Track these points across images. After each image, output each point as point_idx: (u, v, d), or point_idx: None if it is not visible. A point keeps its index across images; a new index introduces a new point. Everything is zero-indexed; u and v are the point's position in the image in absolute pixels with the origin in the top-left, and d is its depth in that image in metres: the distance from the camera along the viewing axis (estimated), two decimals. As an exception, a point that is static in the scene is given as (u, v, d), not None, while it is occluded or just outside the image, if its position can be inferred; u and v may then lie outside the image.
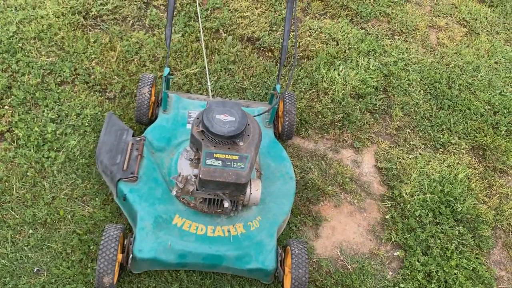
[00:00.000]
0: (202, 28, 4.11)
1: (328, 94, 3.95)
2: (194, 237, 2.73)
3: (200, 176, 2.52)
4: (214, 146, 2.59)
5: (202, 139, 2.61)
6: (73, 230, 2.90)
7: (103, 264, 2.51)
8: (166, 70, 3.15)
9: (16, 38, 3.69)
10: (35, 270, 2.75)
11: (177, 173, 2.81)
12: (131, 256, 2.63)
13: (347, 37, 4.38)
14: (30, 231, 2.87)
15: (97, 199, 3.04)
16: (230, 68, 3.93)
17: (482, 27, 4.89)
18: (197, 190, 2.66)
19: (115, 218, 2.99)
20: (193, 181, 2.69)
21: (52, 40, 3.76)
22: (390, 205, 3.45)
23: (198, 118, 2.68)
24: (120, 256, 2.62)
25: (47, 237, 2.86)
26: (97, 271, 2.51)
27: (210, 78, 3.82)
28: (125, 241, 2.70)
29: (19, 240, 2.83)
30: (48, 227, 2.90)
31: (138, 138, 3.04)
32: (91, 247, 2.85)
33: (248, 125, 2.70)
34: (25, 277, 2.72)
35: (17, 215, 2.90)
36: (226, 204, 2.65)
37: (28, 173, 3.06)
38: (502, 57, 4.63)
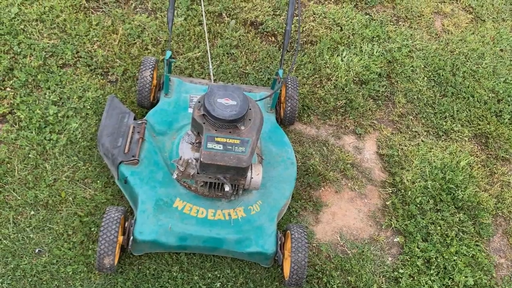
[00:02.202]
0: (205, 12, 4.08)
1: (331, 80, 3.93)
2: (194, 220, 2.74)
3: (201, 159, 2.52)
4: (216, 130, 2.59)
5: (204, 123, 2.61)
6: (75, 212, 2.92)
7: (104, 245, 2.52)
8: (168, 53, 3.13)
9: (18, 19, 3.67)
10: (37, 251, 2.77)
11: (178, 156, 2.81)
12: (131, 238, 2.65)
13: (351, 22, 4.34)
14: (32, 212, 2.88)
15: (98, 181, 3.05)
16: (232, 53, 3.91)
17: (488, 13, 4.83)
18: (198, 173, 2.66)
19: (116, 201, 3.00)
20: (194, 165, 2.69)
21: (54, 22, 3.73)
22: (391, 191, 3.45)
23: (199, 102, 2.67)
24: (121, 238, 2.64)
25: (48, 219, 2.88)
26: (98, 252, 2.53)
27: (212, 62, 3.80)
28: (126, 224, 2.72)
29: (21, 221, 2.85)
30: (50, 209, 2.91)
31: (140, 121, 3.04)
32: (92, 229, 2.87)
33: (250, 109, 2.69)
34: (27, 257, 2.74)
35: (19, 196, 2.92)
36: (227, 188, 2.65)
37: (30, 155, 3.07)
38: (508, 44, 4.58)
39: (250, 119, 2.67)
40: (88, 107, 3.36)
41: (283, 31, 4.08)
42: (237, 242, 2.73)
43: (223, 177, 2.63)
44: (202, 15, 3.98)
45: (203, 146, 2.54)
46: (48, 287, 2.68)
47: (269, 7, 4.27)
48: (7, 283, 2.65)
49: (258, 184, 2.73)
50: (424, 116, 3.90)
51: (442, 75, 4.16)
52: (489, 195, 3.55)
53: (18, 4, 3.75)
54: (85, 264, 2.76)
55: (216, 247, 2.74)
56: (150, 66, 3.27)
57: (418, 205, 3.38)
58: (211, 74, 3.27)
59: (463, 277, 3.10)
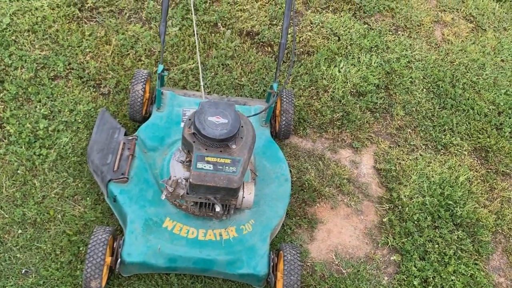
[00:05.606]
0: (200, 22, 4.01)
1: (328, 92, 3.86)
2: (184, 240, 2.67)
3: (191, 180, 2.46)
4: (206, 149, 2.52)
5: (194, 142, 2.54)
6: (63, 231, 2.86)
7: (91, 268, 2.46)
8: (160, 67, 3.07)
9: (9, 30, 3.61)
10: (23, 271, 2.71)
11: (169, 174, 2.75)
12: (119, 259, 2.58)
13: (349, 32, 4.27)
14: (19, 231, 2.82)
15: (88, 198, 2.99)
16: (228, 64, 3.84)
17: (489, 23, 4.75)
18: (187, 194, 2.60)
19: (106, 219, 2.94)
20: (184, 185, 2.62)
21: (46, 33, 3.68)
22: (388, 207, 3.38)
23: (190, 120, 2.60)
24: (109, 259, 2.57)
25: (36, 237, 2.82)
26: (84, 275, 2.47)
27: (206, 73, 3.73)
28: (115, 244, 2.65)
29: (8, 240, 2.79)
30: (38, 227, 2.85)
31: (130, 137, 2.98)
32: (81, 248, 2.81)
33: (242, 127, 2.62)
34: (13, 278, 2.68)
35: (6, 214, 2.86)
36: (218, 208, 2.59)
37: (18, 171, 3.01)
38: (509, 54, 4.50)
39: (242, 137, 2.60)
40: (79, 120, 3.30)
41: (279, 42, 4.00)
42: (228, 264, 2.67)
43: (213, 198, 2.56)
44: (196, 25, 3.91)
45: (192, 166, 2.47)
46: (34, 309, 2.62)
47: (266, 16, 4.19)
48: (-7, 305, 2.60)
49: (250, 203, 2.67)
50: (422, 129, 3.83)
51: (442, 87, 4.08)
52: (489, 212, 3.48)
53: (10, 14, 3.69)
54: (73, 285, 2.70)
55: (207, 268, 2.67)
56: (142, 80, 3.20)
57: (416, 222, 3.31)
58: (202, 89, 3.19)
59: (461, 298, 3.03)
